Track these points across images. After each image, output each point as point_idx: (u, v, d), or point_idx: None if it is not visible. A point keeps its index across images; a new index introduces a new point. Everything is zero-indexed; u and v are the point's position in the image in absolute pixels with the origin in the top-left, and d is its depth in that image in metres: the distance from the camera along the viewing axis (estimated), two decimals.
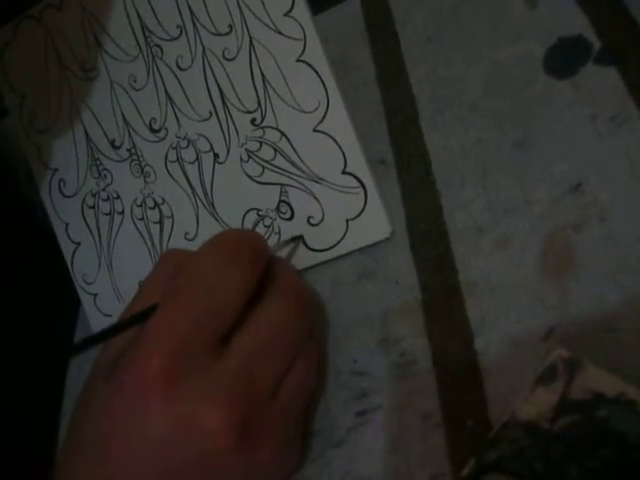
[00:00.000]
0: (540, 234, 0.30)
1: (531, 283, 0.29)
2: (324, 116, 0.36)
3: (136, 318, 0.28)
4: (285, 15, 0.37)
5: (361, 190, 0.35)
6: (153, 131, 0.41)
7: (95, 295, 0.43)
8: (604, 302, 0.27)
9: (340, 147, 0.36)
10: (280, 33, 0.37)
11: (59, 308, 0.46)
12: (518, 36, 0.35)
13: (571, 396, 0.24)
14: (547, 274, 0.29)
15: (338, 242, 0.35)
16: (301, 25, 0.36)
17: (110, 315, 0.42)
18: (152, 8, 0.41)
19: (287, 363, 0.29)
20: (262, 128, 0.38)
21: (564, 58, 0.33)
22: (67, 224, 0.44)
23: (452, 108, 0.35)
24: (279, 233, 0.37)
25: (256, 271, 0.29)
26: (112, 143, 0.42)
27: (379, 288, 0.34)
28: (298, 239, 0.36)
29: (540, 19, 0.34)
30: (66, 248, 0.44)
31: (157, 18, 0.41)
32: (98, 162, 0.43)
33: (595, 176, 0.30)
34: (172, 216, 0.40)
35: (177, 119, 0.40)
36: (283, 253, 0.36)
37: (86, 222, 0.43)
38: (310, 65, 0.37)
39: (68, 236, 0.44)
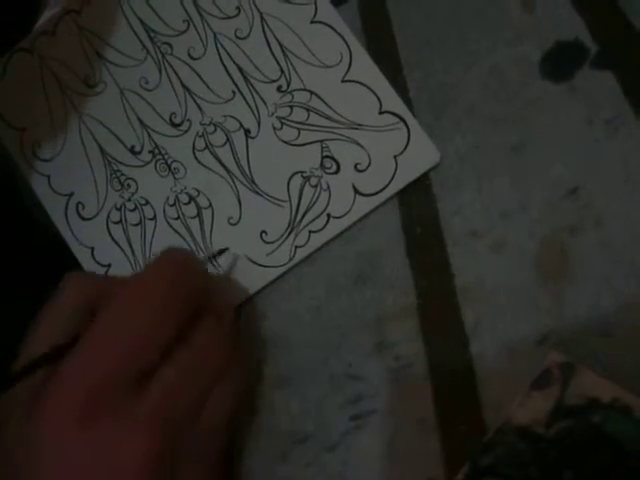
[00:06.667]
0: (536, 238, 0.30)
1: (526, 287, 0.29)
2: (349, 65, 0.37)
3: (50, 355, 0.28)
4: None
5: (402, 124, 0.35)
6: (175, 125, 0.40)
7: None
8: (599, 307, 0.27)
9: (372, 89, 0.36)
10: (289, 2, 0.38)
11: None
12: (515, 40, 0.34)
13: (566, 401, 0.24)
14: (542, 278, 0.29)
15: (391, 180, 0.35)
16: None
17: None
18: (153, 10, 0.41)
19: (209, 387, 0.29)
20: (290, 93, 0.38)
21: (561, 62, 0.33)
22: (92, 248, 0.42)
23: (449, 112, 0.35)
24: (328, 189, 0.36)
25: (187, 311, 0.29)
26: (132, 149, 0.41)
27: (374, 292, 0.33)
28: (224, 251, 0.37)
29: (537, 23, 0.34)
30: None
31: (160, 18, 0.41)
32: (119, 173, 0.41)
33: (591, 180, 0.30)
34: (210, 205, 0.39)
35: (199, 107, 0.40)
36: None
37: (114, 240, 0.41)
38: (325, 23, 0.38)
39: (95, 261, 0.42)
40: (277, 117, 0.38)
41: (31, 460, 0.26)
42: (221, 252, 0.37)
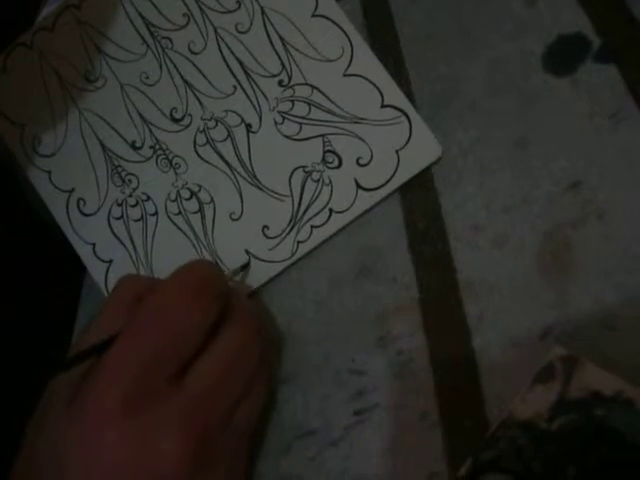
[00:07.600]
0: (538, 232, 0.30)
1: (529, 281, 0.29)
2: (351, 59, 0.37)
3: (98, 346, 0.29)
4: None
5: (404, 118, 0.35)
6: (176, 121, 0.40)
7: None
8: (602, 300, 0.27)
9: (374, 83, 0.36)
10: None
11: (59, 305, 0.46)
12: (517, 34, 0.34)
13: (569, 395, 0.24)
14: (545, 272, 0.29)
15: (393, 174, 0.35)
16: None
17: None
18: (153, 4, 0.41)
19: (241, 389, 0.30)
20: (291, 87, 0.38)
21: (563, 56, 0.33)
22: (94, 244, 0.42)
23: (451, 106, 0.35)
24: (330, 184, 0.36)
25: (216, 307, 0.30)
26: (132, 145, 0.41)
27: (377, 286, 0.33)
28: (247, 266, 0.37)
29: (539, 16, 0.34)
30: (96, 271, 0.41)
31: (160, 12, 0.41)
32: (120, 169, 0.41)
33: (594, 174, 0.30)
34: (212, 201, 0.39)
35: (199, 102, 0.40)
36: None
37: (116, 235, 0.41)
38: (326, 17, 0.38)
39: (97, 257, 0.41)
40: (278, 112, 0.38)
41: (69, 456, 0.27)
42: (244, 267, 0.37)
